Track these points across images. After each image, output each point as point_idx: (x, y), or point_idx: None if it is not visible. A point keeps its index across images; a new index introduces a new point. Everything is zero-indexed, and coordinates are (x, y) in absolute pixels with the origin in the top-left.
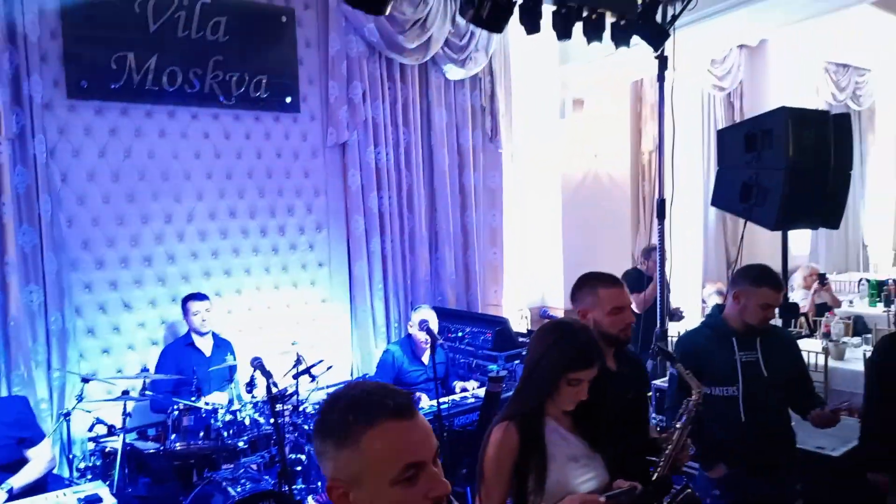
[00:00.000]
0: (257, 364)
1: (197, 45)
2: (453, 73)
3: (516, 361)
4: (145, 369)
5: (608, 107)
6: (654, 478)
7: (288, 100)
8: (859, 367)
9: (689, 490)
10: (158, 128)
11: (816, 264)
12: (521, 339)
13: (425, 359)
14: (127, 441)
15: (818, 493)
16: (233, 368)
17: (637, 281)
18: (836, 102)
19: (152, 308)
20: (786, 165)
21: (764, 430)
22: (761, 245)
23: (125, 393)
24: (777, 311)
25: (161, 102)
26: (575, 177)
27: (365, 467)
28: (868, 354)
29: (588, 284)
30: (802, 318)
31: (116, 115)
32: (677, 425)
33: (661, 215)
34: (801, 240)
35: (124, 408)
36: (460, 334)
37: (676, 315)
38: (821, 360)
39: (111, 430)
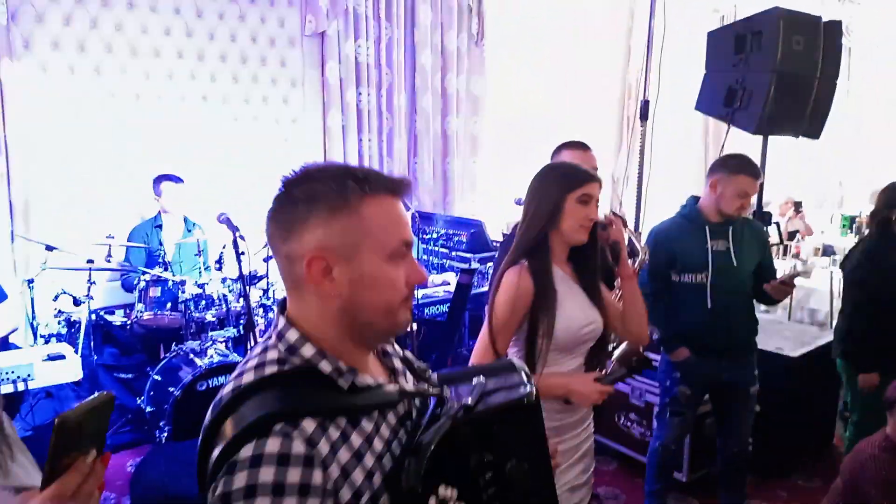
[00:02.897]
0: (224, 219)
1: None
2: None
3: (489, 265)
4: (111, 237)
5: (600, 18)
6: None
7: None
8: (825, 285)
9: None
10: None
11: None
12: (495, 244)
13: None
14: (93, 310)
15: (774, 381)
16: (202, 247)
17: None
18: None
19: (118, 184)
20: (773, 68)
21: (728, 317)
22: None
23: (90, 262)
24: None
25: None
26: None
27: (364, 237)
28: (834, 274)
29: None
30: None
31: None
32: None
33: (644, 116)
34: (780, 173)
35: (89, 276)
36: (435, 235)
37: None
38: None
39: (76, 301)
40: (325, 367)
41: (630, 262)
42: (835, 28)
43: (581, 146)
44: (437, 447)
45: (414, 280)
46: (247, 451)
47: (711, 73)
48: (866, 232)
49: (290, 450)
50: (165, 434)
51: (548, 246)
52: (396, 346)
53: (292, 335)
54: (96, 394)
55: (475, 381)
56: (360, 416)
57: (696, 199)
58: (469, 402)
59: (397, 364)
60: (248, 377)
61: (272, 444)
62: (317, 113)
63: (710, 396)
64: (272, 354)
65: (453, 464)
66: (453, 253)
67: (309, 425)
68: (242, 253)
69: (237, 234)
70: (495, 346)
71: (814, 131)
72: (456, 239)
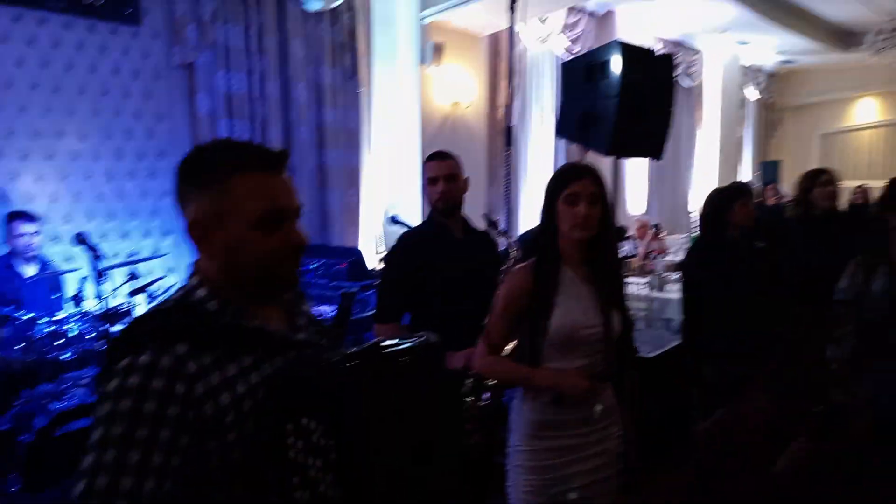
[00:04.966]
0: (82, 238)
1: None
2: (312, 3)
3: (369, 291)
4: None
5: (468, 57)
6: None
7: (127, 11)
8: (676, 296)
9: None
10: None
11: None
12: (374, 271)
13: None
14: None
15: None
16: (58, 280)
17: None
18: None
19: None
20: (617, 93)
21: None
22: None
23: None
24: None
25: None
26: (434, 123)
27: (229, 207)
28: None
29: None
30: (634, 262)
31: None
32: None
33: (509, 142)
34: (639, 200)
35: None
36: (313, 266)
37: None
38: (644, 291)
39: None
40: (212, 306)
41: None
42: (666, 60)
43: (438, 155)
44: (289, 381)
45: (291, 243)
46: (122, 364)
47: (567, 101)
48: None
49: (157, 363)
50: (17, 487)
51: (557, 247)
52: (309, 310)
53: (193, 280)
54: None
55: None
56: (239, 349)
57: None
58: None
59: (301, 321)
60: (143, 312)
61: (143, 359)
62: (186, 146)
63: None
64: (174, 296)
65: (311, 402)
66: (333, 283)
67: (181, 348)
68: (103, 277)
69: (95, 254)
70: (490, 337)
71: (655, 153)
72: (335, 269)
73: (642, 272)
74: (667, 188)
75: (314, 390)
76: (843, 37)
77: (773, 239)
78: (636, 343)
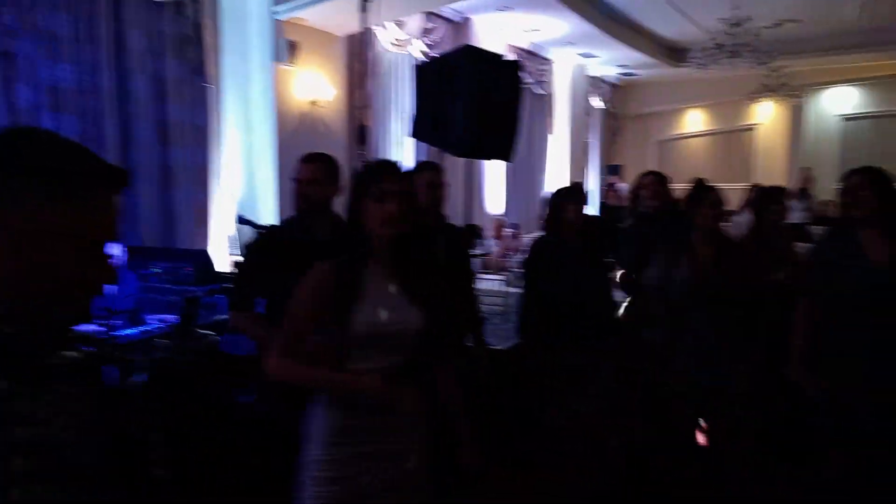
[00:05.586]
0: None
1: None
2: None
3: (217, 293)
4: None
5: (326, 56)
6: None
7: None
8: None
9: None
10: None
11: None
12: (224, 275)
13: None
14: None
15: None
16: None
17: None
18: (523, 84)
19: None
20: (467, 96)
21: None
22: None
23: None
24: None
25: None
26: (291, 122)
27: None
28: None
29: None
30: (491, 260)
31: None
32: None
33: (362, 140)
34: (497, 200)
35: None
36: (157, 271)
37: None
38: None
39: None
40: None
41: None
42: (513, 66)
43: (309, 158)
44: None
45: None
46: None
47: (421, 103)
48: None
49: None
50: None
51: (364, 244)
52: None
53: None
54: None
55: None
56: None
57: None
58: None
59: None
60: None
61: None
62: None
63: None
64: None
65: None
66: (179, 287)
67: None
68: None
69: None
70: (286, 337)
71: (505, 156)
72: (181, 272)
73: (499, 269)
74: (522, 189)
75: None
76: (673, 53)
77: (611, 235)
78: (489, 337)
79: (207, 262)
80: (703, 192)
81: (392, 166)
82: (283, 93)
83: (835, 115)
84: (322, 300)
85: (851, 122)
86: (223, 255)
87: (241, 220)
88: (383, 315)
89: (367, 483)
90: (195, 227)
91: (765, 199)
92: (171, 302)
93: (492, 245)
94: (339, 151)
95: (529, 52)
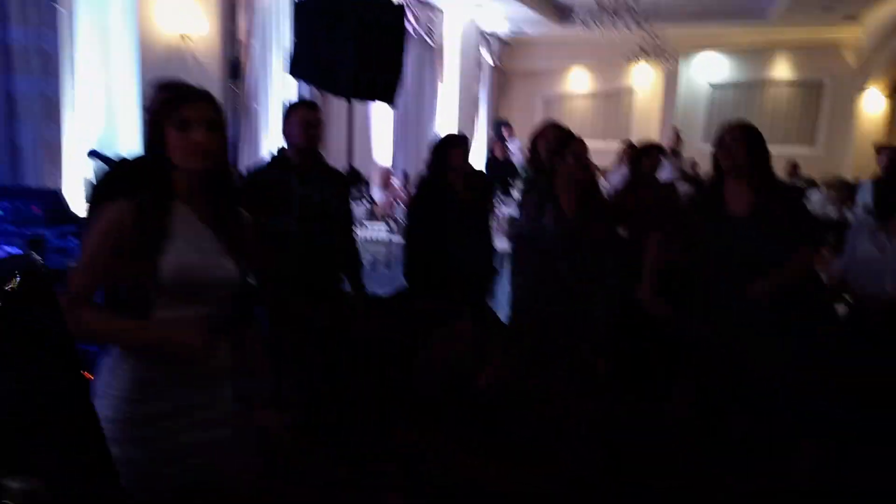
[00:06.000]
0: None
1: None
2: None
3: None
4: None
5: None
6: None
7: None
8: None
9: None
10: None
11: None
12: (79, 216)
13: None
14: None
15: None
16: None
17: None
18: (413, 35)
19: None
20: (353, 39)
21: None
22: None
23: None
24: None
25: None
26: (158, 53)
27: None
28: None
29: None
30: (378, 208)
31: None
32: None
33: (235, 75)
34: (385, 150)
35: None
36: None
37: None
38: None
39: None
40: None
41: None
42: (398, 10)
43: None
44: None
45: None
46: None
47: (302, 41)
48: None
49: None
50: None
51: (167, 180)
52: None
53: None
54: None
55: None
56: None
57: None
58: None
59: None
60: None
61: None
62: None
63: None
64: None
65: None
66: (26, 230)
67: None
68: None
69: None
70: (77, 286)
71: (388, 99)
72: (28, 214)
73: (385, 218)
74: (412, 140)
75: None
76: (559, 10)
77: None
78: (374, 285)
79: (59, 201)
80: (566, 141)
81: (194, 90)
82: (147, 21)
83: (704, 83)
84: (120, 243)
85: (718, 90)
86: (79, 194)
87: (94, 155)
88: (196, 261)
89: (189, 444)
90: (46, 164)
91: (640, 151)
92: (14, 244)
93: (378, 194)
94: (215, 90)
95: (421, 2)
